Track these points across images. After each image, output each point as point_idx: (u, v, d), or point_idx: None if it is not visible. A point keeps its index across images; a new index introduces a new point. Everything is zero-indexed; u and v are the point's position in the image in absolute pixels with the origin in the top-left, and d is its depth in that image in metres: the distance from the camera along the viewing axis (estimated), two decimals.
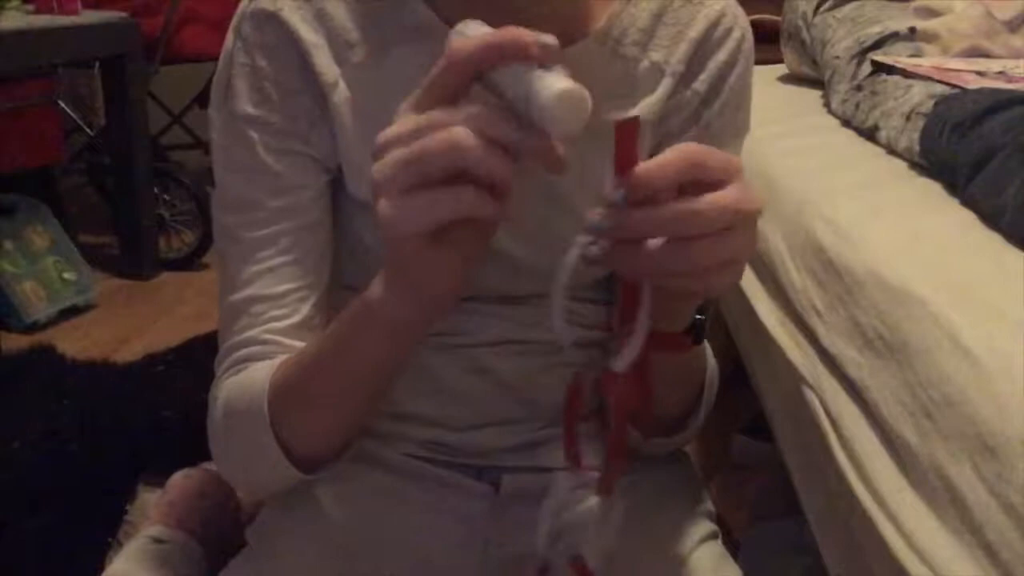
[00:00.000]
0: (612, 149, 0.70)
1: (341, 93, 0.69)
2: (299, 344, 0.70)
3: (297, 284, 0.71)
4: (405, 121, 0.49)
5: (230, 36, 0.71)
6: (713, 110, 0.74)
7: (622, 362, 0.51)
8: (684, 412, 0.75)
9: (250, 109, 0.69)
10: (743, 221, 0.50)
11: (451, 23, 0.68)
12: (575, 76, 0.71)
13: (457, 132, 0.47)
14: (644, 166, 0.48)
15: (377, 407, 0.72)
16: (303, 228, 0.71)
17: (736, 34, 0.73)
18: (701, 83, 0.73)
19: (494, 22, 0.68)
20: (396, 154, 0.48)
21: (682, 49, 0.72)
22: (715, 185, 0.49)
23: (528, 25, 0.69)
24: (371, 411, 0.71)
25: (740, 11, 0.75)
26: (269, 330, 0.70)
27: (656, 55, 0.72)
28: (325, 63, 0.69)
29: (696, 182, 0.49)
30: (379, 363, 0.64)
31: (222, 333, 0.73)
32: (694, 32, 0.72)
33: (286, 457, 0.67)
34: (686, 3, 0.73)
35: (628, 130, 0.48)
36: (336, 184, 0.73)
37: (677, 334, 0.62)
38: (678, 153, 0.49)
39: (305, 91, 0.69)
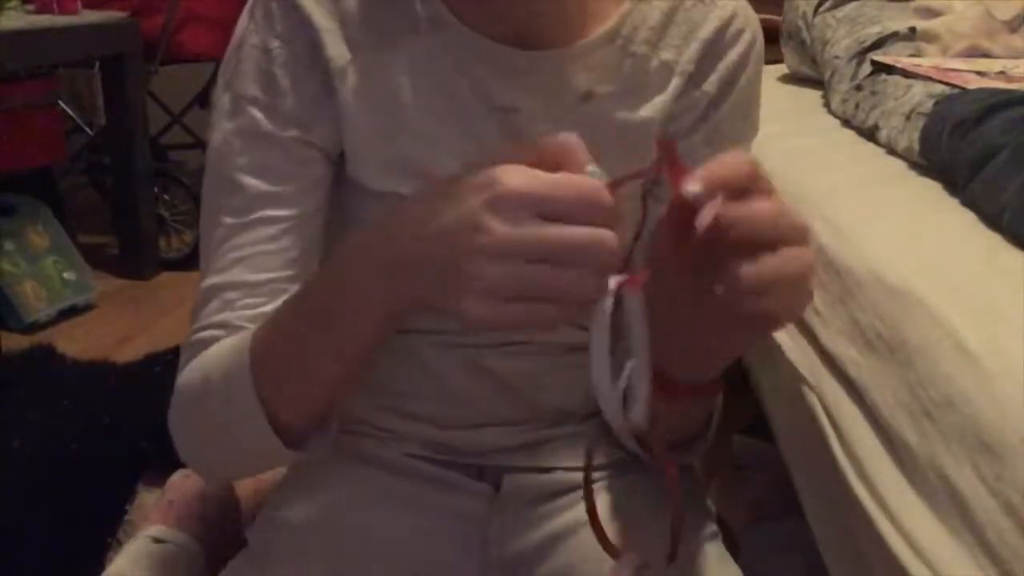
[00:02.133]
0: (628, 151, 0.70)
1: (350, 79, 0.68)
2: None
3: (277, 274, 0.68)
4: (529, 232, 0.46)
5: (244, 17, 0.70)
6: (722, 112, 0.73)
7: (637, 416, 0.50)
8: (694, 435, 0.73)
9: (255, 91, 0.69)
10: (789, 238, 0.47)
11: (461, 17, 0.68)
12: (584, 71, 0.71)
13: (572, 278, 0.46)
14: (706, 166, 0.46)
15: (365, 377, 0.68)
16: (291, 217, 0.69)
17: (747, 36, 0.73)
18: (711, 84, 0.72)
19: (500, 18, 0.68)
20: (521, 271, 0.47)
21: (692, 49, 0.71)
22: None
23: (536, 22, 0.69)
24: (357, 378, 0.66)
25: (752, 13, 0.74)
26: (241, 317, 0.67)
27: (666, 54, 0.72)
28: (336, 48, 0.68)
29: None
30: (372, 342, 0.60)
31: (194, 316, 0.70)
32: (705, 32, 0.71)
33: (269, 423, 0.62)
34: (698, 3, 0.72)
35: (670, 147, 0.47)
36: (339, 173, 0.71)
37: (706, 385, 0.59)
38: (731, 157, 0.47)
39: (313, 76, 0.68)
